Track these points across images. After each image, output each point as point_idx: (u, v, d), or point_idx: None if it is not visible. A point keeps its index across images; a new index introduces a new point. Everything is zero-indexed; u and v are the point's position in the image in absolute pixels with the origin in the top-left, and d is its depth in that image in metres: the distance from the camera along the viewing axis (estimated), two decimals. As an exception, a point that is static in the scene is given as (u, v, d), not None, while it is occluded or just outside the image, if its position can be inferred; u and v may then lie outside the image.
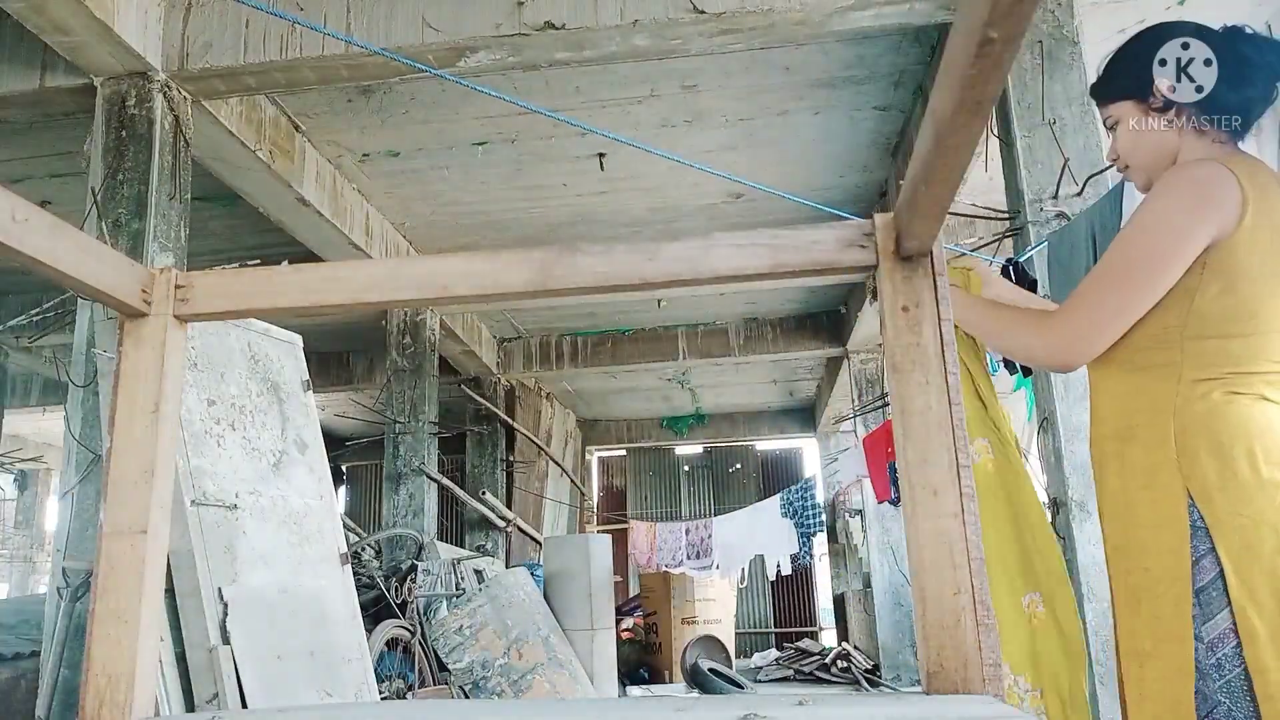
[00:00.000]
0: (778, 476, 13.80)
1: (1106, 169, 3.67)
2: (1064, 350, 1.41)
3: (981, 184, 4.60)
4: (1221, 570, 1.27)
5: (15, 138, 5.23)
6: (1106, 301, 1.37)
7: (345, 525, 5.55)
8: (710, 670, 8.01)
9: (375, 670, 4.07)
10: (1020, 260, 3.65)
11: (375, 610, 5.08)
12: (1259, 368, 1.32)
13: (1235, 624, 1.25)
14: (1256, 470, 1.29)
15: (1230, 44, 1.45)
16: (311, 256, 6.22)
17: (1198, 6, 4.53)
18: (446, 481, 8.09)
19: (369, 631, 4.33)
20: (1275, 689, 1.21)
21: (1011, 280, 3.62)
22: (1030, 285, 3.58)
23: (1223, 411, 1.31)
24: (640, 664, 9.58)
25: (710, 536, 9.50)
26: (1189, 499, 1.31)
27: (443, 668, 5.22)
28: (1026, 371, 3.69)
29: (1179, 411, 1.33)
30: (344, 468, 14.07)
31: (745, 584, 10.27)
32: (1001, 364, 3.81)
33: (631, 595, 10.91)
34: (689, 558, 9.65)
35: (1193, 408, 1.32)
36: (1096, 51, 4.37)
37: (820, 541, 11.35)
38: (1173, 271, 1.33)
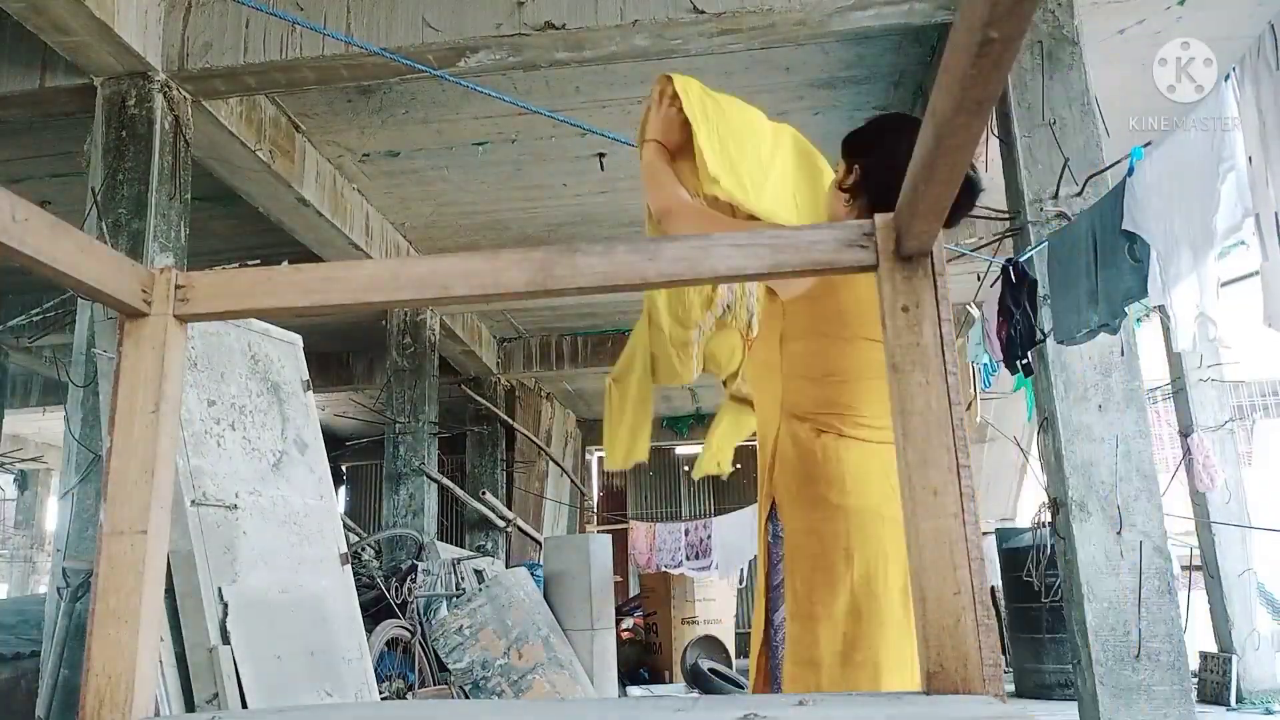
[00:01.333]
0: (778, 476, 13.75)
1: (1106, 169, 3.67)
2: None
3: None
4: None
5: (15, 138, 5.23)
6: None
7: (345, 525, 5.55)
8: (710, 670, 8.01)
9: (375, 670, 4.07)
10: (1020, 260, 3.65)
11: (375, 610, 5.07)
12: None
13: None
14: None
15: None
16: (311, 256, 6.22)
17: (1197, 6, 4.53)
18: (446, 481, 8.09)
19: (369, 631, 4.33)
20: (793, 666, 1.51)
21: (1012, 281, 3.62)
22: (1030, 285, 3.59)
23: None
24: (640, 664, 9.58)
25: (710, 537, 9.50)
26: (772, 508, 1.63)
27: (443, 668, 5.21)
28: (1028, 371, 3.70)
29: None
30: (344, 468, 14.07)
31: (744, 584, 10.26)
32: (1002, 364, 3.81)
33: (631, 595, 10.91)
34: (688, 558, 9.64)
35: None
36: (1096, 51, 4.39)
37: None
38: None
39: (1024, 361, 3.65)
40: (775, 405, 1.62)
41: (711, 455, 3.31)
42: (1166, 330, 3.23)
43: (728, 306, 3.39)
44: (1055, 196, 3.70)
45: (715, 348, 3.38)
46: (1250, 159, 2.51)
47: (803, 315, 1.59)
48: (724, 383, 3.53)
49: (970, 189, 1.71)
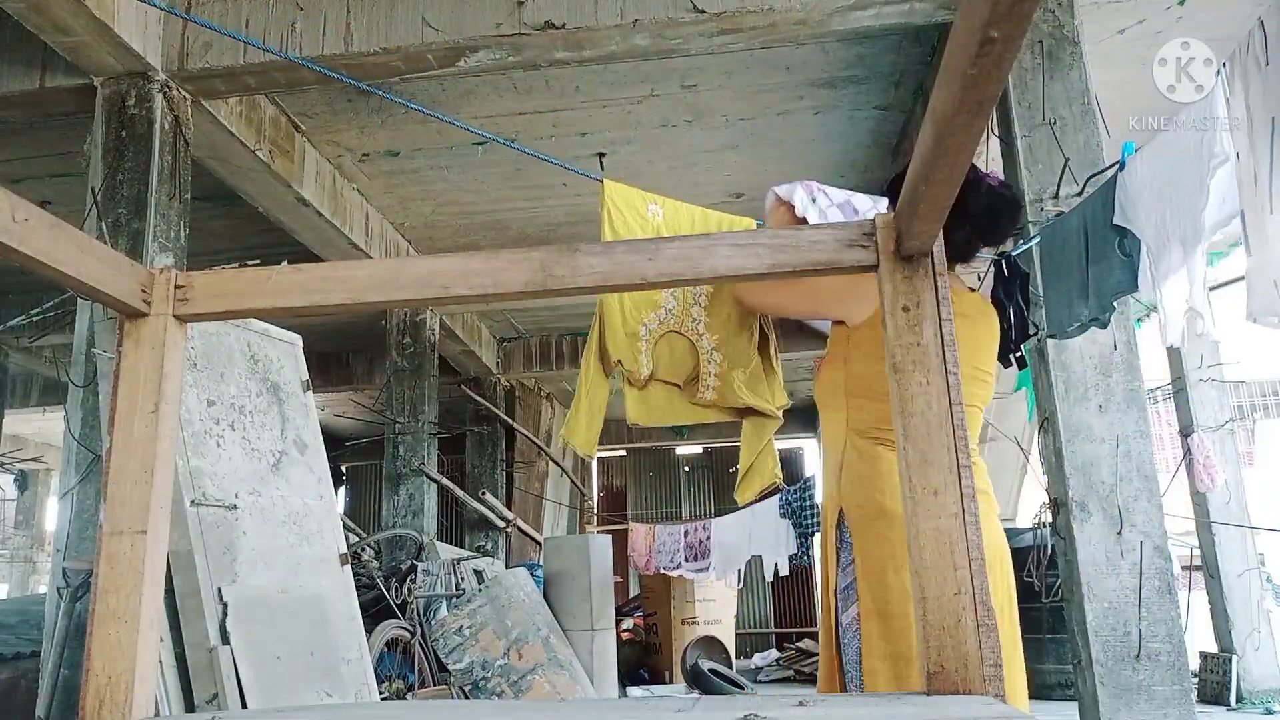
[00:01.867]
0: (778, 477, 13.76)
1: (1107, 169, 3.67)
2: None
3: (981, 184, 4.58)
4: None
5: (15, 138, 5.23)
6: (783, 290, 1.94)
7: (345, 525, 5.55)
8: (710, 671, 8.00)
9: (375, 670, 4.07)
10: (1013, 255, 3.65)
11: (375, 610, 5.07)
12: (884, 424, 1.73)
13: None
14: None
15: (966, 186, 1.89)
16: (311, 256, 6.21)
17: (1197, 6, 4.53)
18: (446, 482, 8.09)
19: (369, 632, 4.33)
20: (877, 661, 1.62)
21: (1004, 274, 3.62)
22: (1022, 279, 3.59)
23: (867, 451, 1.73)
24: (640, 664, 9.58)
25: (709, 538, 9.49)
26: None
27: (442, 668, 5.21)
28: (1021, 364, 3.70)
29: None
30: (344, 468, 14.06)
31: (742, 585, 10.26)
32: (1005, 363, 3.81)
33: (631, 596, 10.91)
34: (687, 560, 9.64)
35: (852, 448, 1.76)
36: (1096, 51, 4.39)
37: (820, 542, 11.32)
38: (816, 297, 1.97)
39: (1017, 355, 3.66)
40: (842, 422, 1.80)
41: (759, 475, 3.58)
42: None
43: (670, 310, 3.49)
44: (1056, 196, 3.70)
45: (662, 351, 3.48)
46: (1238, 155, 2.52)
47: (866, 340, 1.73)
48: (680, 385, 3.59)
49: (1013, 209, 1.86)
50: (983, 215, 1.74)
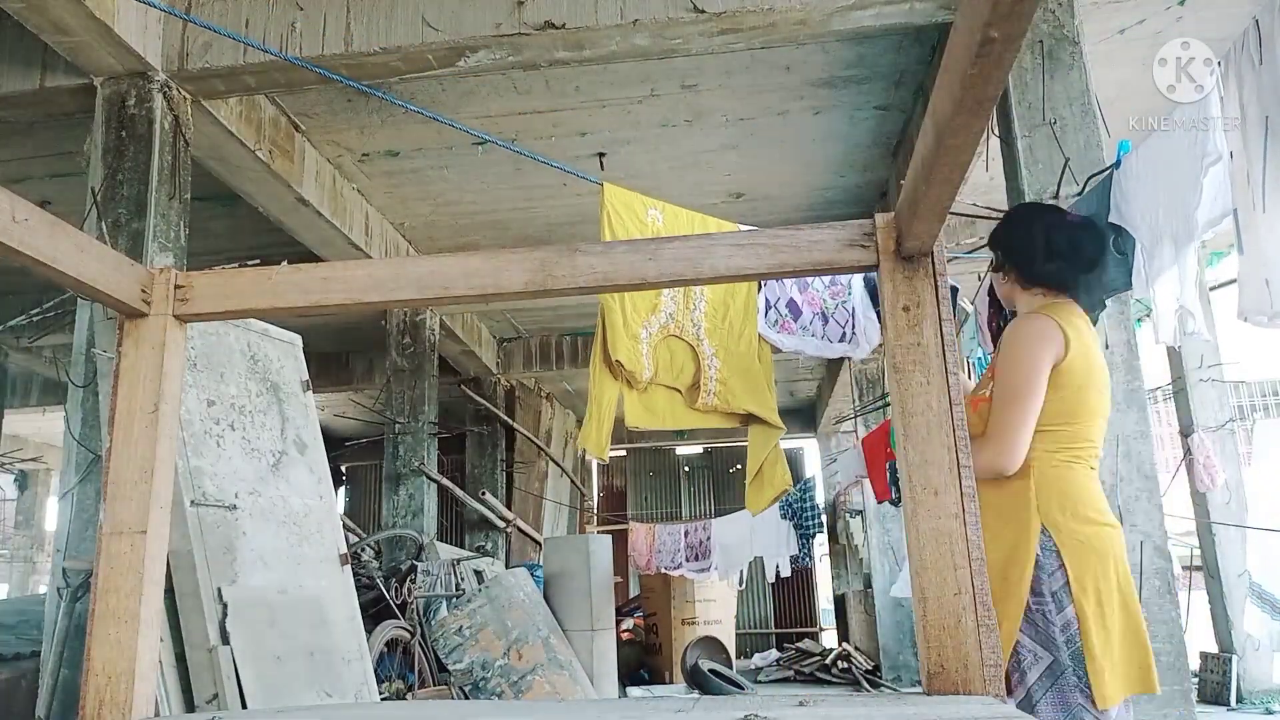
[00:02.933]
0: (778, 477, 13.75)
1: (1107, 169, 3.68)
2: (1002, 465, 1.95)
3: (982, 183, 4.60)
4: (1068, 577, 1.87)
5: (15, 138, 5.23)
6: (1014, 422, 1.95)
7: (345, 525, 5.55)
8: (710, 671, 8.00)
9: (375, 671, 4.07)
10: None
11: (375, 611, 5.07)
12: (1078, 445, 1.98)
13: (1077, 615, 1.85)
14: (1081, 512, 1.93)
15: (1049, 227, 2.08)
16: (311, 256, 6.21)
17: (1197, 6, 4.53)
18: (446, 482, 8.09)
19: (369, 632, 4.33)
20: (1100, 658, 1.82)
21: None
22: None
23: (1063, 474, 1.96)
24: (640, 665, 9.58)
25: (709, 539, 9.48)
26: (1043, 528, 1.92)
27: (442, 668, 5.21)
28: None
29: (1037, 473, 1.95)
30: (344, 468, 14.06)
31: (744, 586, 10.26)
32: (992, 356, 3.82)
33: (631, 596, 10.90)
34: (688, 560, 9.63)
35: (1045, 470, 1.95)
36: (1096, 51, 4.39)
37: (820, 542, 11.34)
38: (1042, 392, 1.96)
39: None
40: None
41: (773, 484, 3.61)
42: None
43: (670, 315, 3.53)
44: (1056, 196, 3.70)
45: (662, 355, 3.52)
46: (1231, 154, 2.52)
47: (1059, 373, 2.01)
48: (681, 390, 3.62)
49: (1097, 239, 2.09)
50: (1067, 247, 2.01)
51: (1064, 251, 2.02)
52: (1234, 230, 2.57)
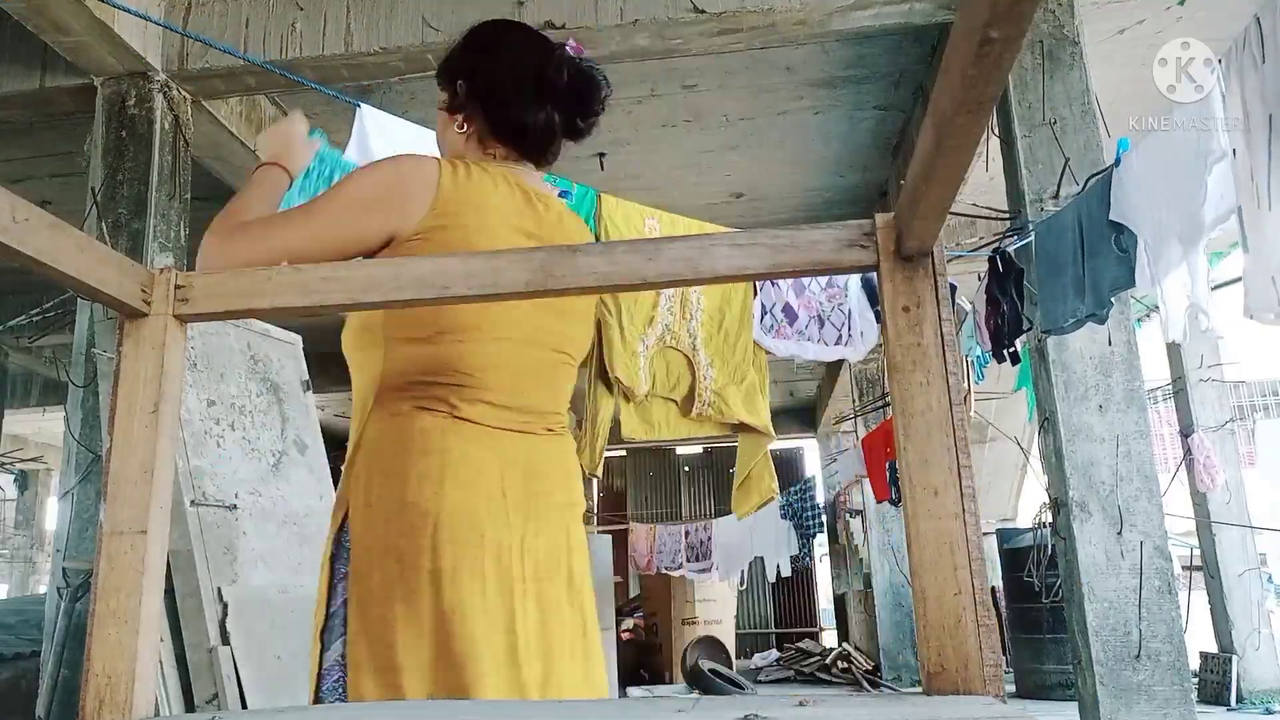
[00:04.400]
0: (778, 477, 13.77)
1: (1107, 169, 3.68)
2: (203, 257, 1.26)
3: (982, 183, 4.60)
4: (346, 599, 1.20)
5: (15, 138, 5.23)
6: (272, 234, 1.25)
7: (345, 525, 5.54)
8: (710, 671, 8.00)
9: (375, 670, 4.07)
10: (1007, 249, 3.66)
11: (375, 610, 5.06)
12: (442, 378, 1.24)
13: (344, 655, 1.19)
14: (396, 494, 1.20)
15: (489, 51, 1.44)
16: (311, 256, 6.20)
17: (1197, 6, 4.53)
18: (446, 482, 8.07)
19: (369, 632, 4.32)
20: None
21: (999, 269, 3.64)
22: (1017, 275, 3.60)
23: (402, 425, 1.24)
24: (640, 665, 9.58)
25: (710, 539, 9.49)
26: (344, 517, 1.24)
27: (443, 668, 5.20)
28: (1015, 359, 3.71)
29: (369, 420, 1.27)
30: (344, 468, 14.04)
31: (744, 586, 10.26)
32: (990, 355, 3.83)
33: (632, 596, 10.91)
34: (689, 560, 9.64)
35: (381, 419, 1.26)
36: (1096, 51, 4.39)
37: (820, 542, 11.34)
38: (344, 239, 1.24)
39: (1011, 350, 3.67)
40: (374, 376, 1.37)
41: (756, 491, 3.60)
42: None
43: (667, 327, 3.54)
44: (1056, 196, 3.70)
45: (659, 366, 3.53)
46: (1234, 152, 2.52)
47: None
48: (677, 400, 3.62)
49: (594, 87, 1.42)
50: (564, 90, 1.37)
51: (563, 97, 1.39)
52: (1238, 228, 2.57)
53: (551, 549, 1.28)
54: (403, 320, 1.26)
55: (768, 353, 3.87)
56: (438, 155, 1.36)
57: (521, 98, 1.38)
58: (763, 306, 3.85)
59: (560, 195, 3.49)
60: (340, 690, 1.18)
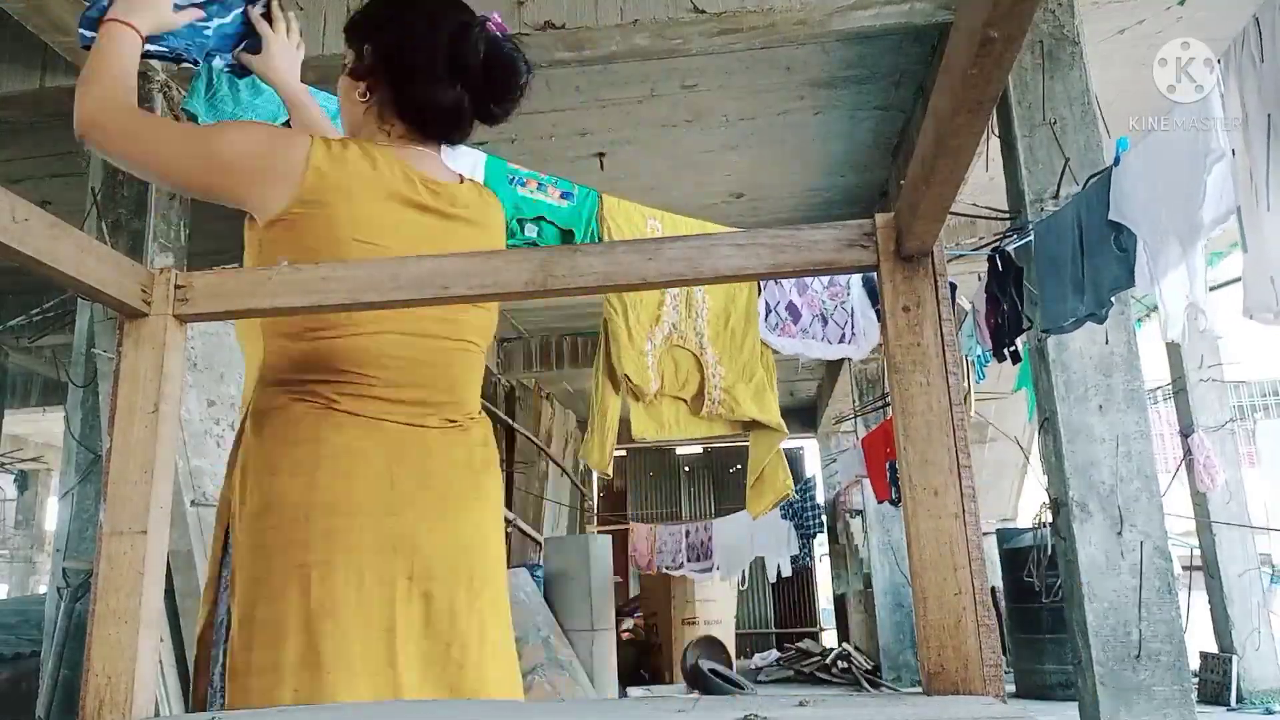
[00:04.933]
0: (778, 477, 13.76)
1: (1107, 170, 3.68)
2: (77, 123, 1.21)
3: (982, 183, 4.60)
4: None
5: (15, 138, 5.23)
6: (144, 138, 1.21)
7: (345, 525, 5.54)
8: (710, 671, 8.01)
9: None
10: (1007, 249, 3.66)
11: (375, 610, 5.06)
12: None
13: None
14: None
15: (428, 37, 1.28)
16: (312, 257, 6.21)
17: (1197, 6, 4.53)
18: (446, 482, 8.06)
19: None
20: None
21: (999, 268, 3.65)
22: (1017, 274, 3.60)
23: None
24: (640, 665, 9.58)
25: (710, 539, 9.49)
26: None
27: (443, 668, 5.20)
28: (1015, 358, 3.71)
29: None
30: (344, 468, 14.04)
31: (745, 586, 10.26)
32: (991, 354, 3.83)
33: (632, 596, 10.91)
34: (689, 560, 9.64)
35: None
36: (1096, 51, 4.39)
37: (821, 542, 11.34)
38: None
39: (1011, 349, 3.67)
40: (256, 368, 1.32)
41: (774, 488, 3.59)
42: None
43: (674, 325, 3.55)
44: (1056, 196, 3.70)
45: (667, 365, 3.54)
46: (1233, 152, 2.52)
47: (284, 243, 1.24)
48: (686, 400, 3.63)
49: (512, 66, 1.30)
50: (479, 71, 1.26)
51: (474, 75, 1.27)
52: (1237, 228, 2.57)
53: (448, 547, 1.20)
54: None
55: (774, 351, 3.89)
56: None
57: (430, 74, 1.27)
58: (767, 305, 3.86)
59: (561, 196, 3.43)
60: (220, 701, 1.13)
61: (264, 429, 1.17)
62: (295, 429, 1.16)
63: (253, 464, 1.16)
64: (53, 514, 9.98)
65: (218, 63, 1.69)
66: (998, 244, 3.73)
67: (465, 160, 3.02)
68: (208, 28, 1.58)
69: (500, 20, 1.31)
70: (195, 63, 1.69)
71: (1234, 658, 6.29)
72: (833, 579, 12.80)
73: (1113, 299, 3.09)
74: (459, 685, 1.17)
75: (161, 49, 1.59)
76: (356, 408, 1.18)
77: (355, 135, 1.35)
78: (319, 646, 1.09)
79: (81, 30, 1.47)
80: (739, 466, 14.22)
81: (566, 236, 3.21)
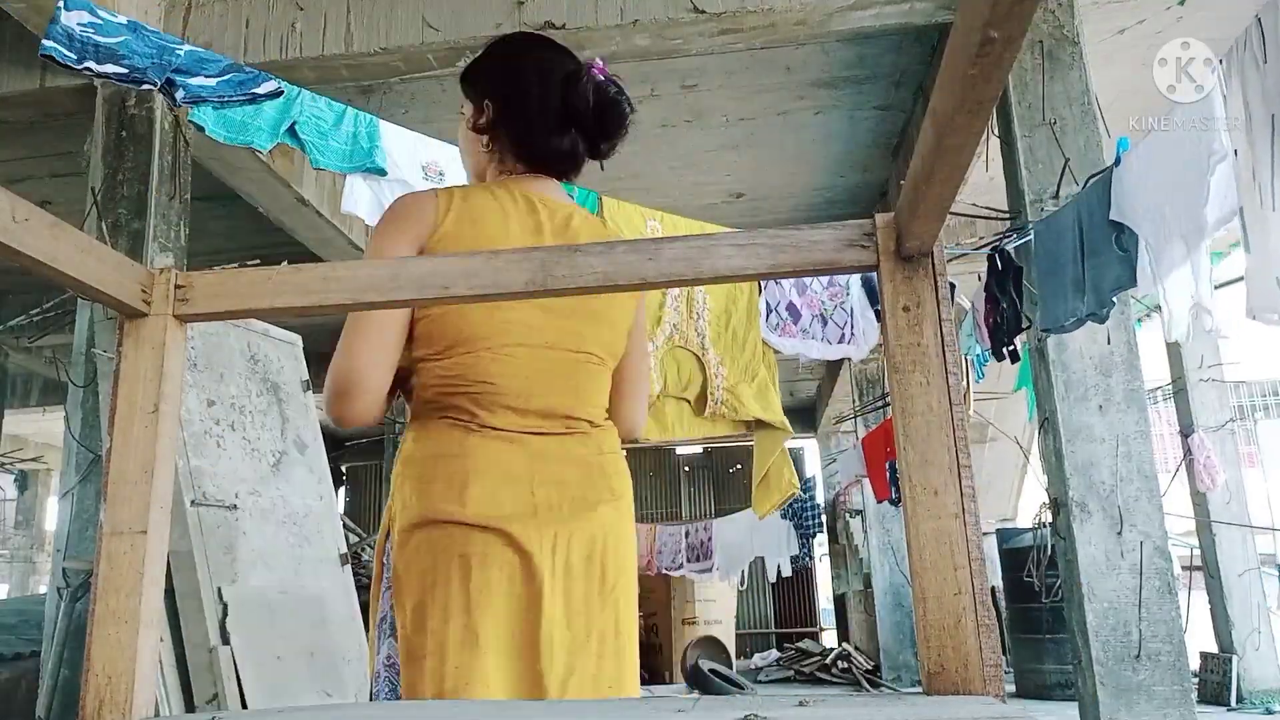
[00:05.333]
0: (778, 477, 13.75)
1: (1107, 169, 3.68)
2: (328, 409, 1.31)
3: (982, 183, 4.60)
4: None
5: (15, 138, 5.23)
6: (348, 346, 1.33)
7: (345, 525, 5.54)
8: (710, 671, 8.00)
9: (375, 670, 4.07)
10: (1006, 248, 3.66)
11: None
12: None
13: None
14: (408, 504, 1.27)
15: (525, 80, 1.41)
16: (311, 256, 6.21)
17: (1197, 6, 4.53)
18: (446, 482, 8.06)
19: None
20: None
21: (998, 268, 3.65)
22: (1016, 273, 3.60)
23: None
24: (640, 665, 9.58)
25: (710, 539, 9.49)
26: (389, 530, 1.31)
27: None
28: (1014, 358, 3.71)
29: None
30: (344, 468, 14.06)
31: (745, 586, 10.26)
32: (990, 353, 3.83)
33: (631, 595, 10.89)
34: (689, 560, 9.64)
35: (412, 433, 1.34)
36: (1096, 51, 4.39)
37: (820, 542, 11.34)
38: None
39: (1010, 348, 3.67)
40: None
41: (779, 488, 3.57)
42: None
43: (675, 326, 3.55)
44: (1056, 196, 3.70)
45: (669, 366, 3.54)
46: (1236, 152, 2.52)
47: None
48: (690, 400, 3.63)
49: (618, 109, 1.41)
50: (590, 116, 1.37)
51: (584, 120, 1.38)
52: (1240, 229, 2.57)
53: (585, 548, 1.30)
54: (422, 340, 1.33)
55: (775, 351, 3.89)
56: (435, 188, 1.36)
57: (547, 125, 1.38)
58: (767, 305, 3.86)
59: None
60: (389, 690, 1.27)
61: (422, 447, 1.31)
62: (449, 445, 1.29)
63: (411, 477, 1.29)
64: (53, 514, 9.98)
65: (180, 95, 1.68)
66: (997, 244, 3.72)
67: None
68: (179, 49, 1.58)
69: (603, 65, 1.41)
70: (155, 84, 1.69)
71: (1234, 658, 6.29)
72: (833, 579, 12.80)
73: (1114, 299, 3.09)
74: (598, 675, 1.30)
75: (120, 70, 1.59)
76: (497, 421, 1.30)
77: (480, 177, 1.48)
78: (478, 628, 1.20)
79: (47, 42, 1.45)
80: (739, 466, 14.22)
81: None
